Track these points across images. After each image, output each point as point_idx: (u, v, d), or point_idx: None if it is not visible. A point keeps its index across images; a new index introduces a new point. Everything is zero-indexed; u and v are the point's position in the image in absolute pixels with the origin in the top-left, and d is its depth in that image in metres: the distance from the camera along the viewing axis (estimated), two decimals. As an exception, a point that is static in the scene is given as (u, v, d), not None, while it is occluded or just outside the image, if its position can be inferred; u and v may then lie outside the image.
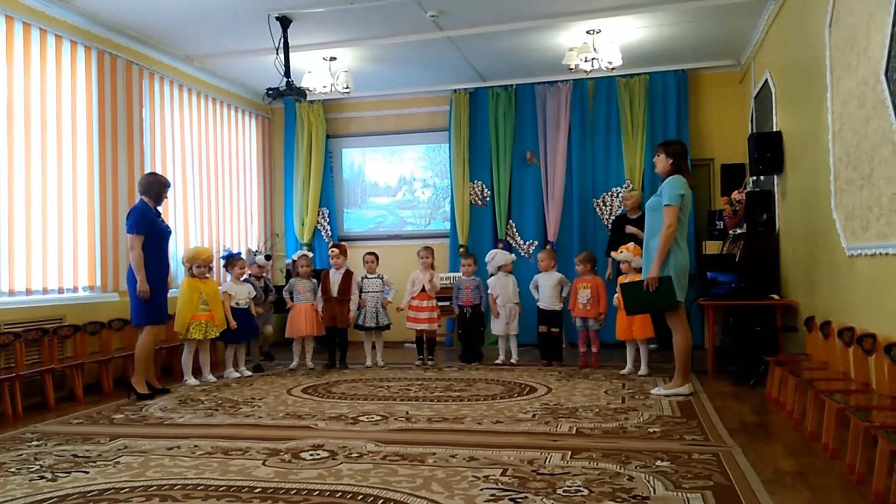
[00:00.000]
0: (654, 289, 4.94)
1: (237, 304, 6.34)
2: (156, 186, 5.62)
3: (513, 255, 7.15)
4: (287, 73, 6.65)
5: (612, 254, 6.45)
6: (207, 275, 6.12)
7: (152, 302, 5.44)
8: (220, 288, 6.31)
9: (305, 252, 7.31)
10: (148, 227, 5.46)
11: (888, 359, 3.41)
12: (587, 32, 6.79)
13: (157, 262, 5.51)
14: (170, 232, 5.81)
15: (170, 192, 7.08)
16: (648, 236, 5.12)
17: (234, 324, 6.20)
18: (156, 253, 5.51)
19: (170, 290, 5.80)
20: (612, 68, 6.78)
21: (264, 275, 7.13)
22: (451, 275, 7.92)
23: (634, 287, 5.10)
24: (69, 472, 3.41)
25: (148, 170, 6.78)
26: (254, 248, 8.15)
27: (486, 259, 7.08)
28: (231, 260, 6.60)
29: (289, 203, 9.25)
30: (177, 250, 7.15)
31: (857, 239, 4.09)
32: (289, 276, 7.89)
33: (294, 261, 7.09)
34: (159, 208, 5.72)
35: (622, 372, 6.12)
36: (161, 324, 5.65)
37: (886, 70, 3.54)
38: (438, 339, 7.65)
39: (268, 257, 7.49)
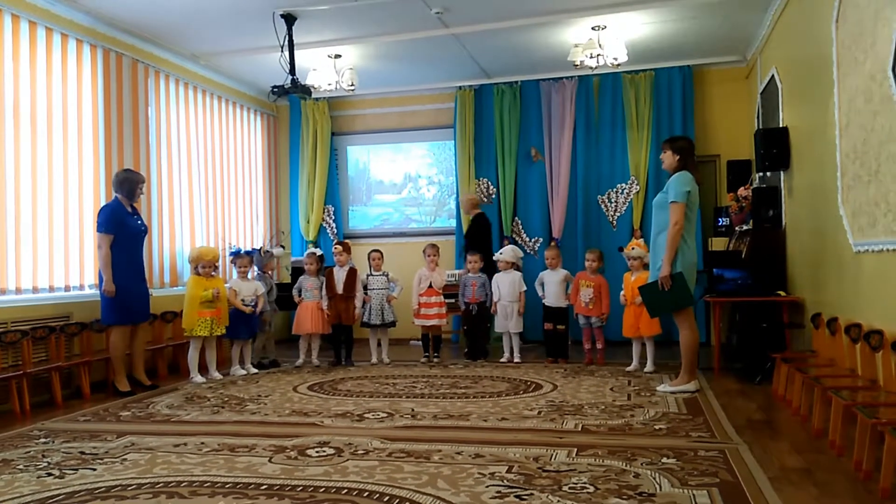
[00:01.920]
0: (668, 287, 4.93)
1: (241, 300, 6.35)
2: (127, 184, 5.64)
3: (513, 251, 7.05)
4: (292, 71, 6.65)
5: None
6: (213, 273, 6.13)
7: (120, 301, 5.46)
8: (226, 285, 6.33)
9: (314, 250, 7.32)
10: (117, 227, 5.49)
11: (895, 355, 3.39)
12: (592, 29, 6.77)
13: (129, 261, 5.55)
14: (145, 231, 5.83)
15: (175, 190, 7.19)
16: (655, 233, 5.11)
17: (248, 309, 6.22)
18: (127, 252, 5.54)
19: (160, 288, 5.80)
20: (618, 64, 6.76)
21: (270, 271, 7.12)
22: (457, 272, 7.91)
23: (651, 289, 5.09)
24: (76, 469, 3.43)
25: (154, 167, 6.81)
26: (267, 248, 8.13)
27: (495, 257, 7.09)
28: (236, 257, 6.61)
29: (294, 201, 9.26)
30: (183, 248, 7.18)
31: (865, 235, 4.07)
32: (294, 273, 7.90)
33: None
34: (135, 205, 5.75)
35: (628, 369, 6.11)
36: (130, 324, 5.61)
37: (894, 66, 3.52)
38: (444, 335, 7.65)
39: (282, 246, 7.50)
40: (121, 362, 5.55)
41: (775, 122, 6.40)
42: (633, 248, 6.28)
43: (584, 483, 3.00)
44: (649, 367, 6.04)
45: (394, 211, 9.27)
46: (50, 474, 3.36)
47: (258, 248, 7.46)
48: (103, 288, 5.45)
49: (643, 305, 5.50)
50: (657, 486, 2.94)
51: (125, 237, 5.54)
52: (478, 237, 7.45)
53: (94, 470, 3.41)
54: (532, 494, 2.87)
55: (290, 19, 6.42)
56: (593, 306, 6.43)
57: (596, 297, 6.43)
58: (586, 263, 6.57)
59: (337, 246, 7.02)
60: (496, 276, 6.92)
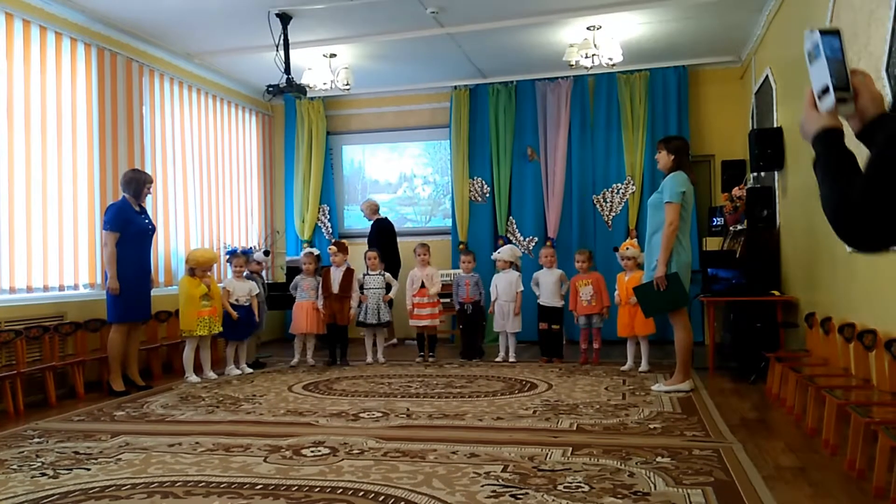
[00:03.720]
0: (663, 288, 4.95)
1: (237, 300, 6.34)
2: (134, 183, 5.69)
3: (511, 250, 7.06)
4: (287, 70, 6.64)
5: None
6: (209, 273, 6.14)
7: (125, 299, 5.48)
8: (220, 285, 6.33)
9: (311, 249, 7.32)
10: (123, 225, 5.52)
11: (889, 355, 3.41)
12: (587, 28, 6.78)
13: (135, 259, 5.58)
14: (153, 229, 5.86)
15: (170, 190, 7.18)
16: (650, 233, 5.12)
17: (234, 314, 6.23)
18: (134, 250, 5.57)
19: (155, 288, 5.84)
20: (613, 64, 6.76)
21: (262, 272, 7.12)
22: (452, 272, 7.92)
23: (646, 289, 5.10)
24: (71, 469, 3.42)
25: (148, 167, 6.79)
26: (253, 246, 8.15)
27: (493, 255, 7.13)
28: (232, 257, 6.61)
29: (289, 200, 9.25)
30: (178, 247, 7.17)
31: (858, 235, 4.07)
32: (290, 273, 7.90)
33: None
34: (143, 205, 5.79)
35: (623, 368, 6.12)
36: (133, 321, 5.66)
37: (887, 66, 3.54)
38: (440, 335, 7.65)
39: (266, 252, 7.51)
40: (117, 361, 5.55)
41: (769, 122, 6.41)
42: (627, 249, 6.30)
43: (579, 482, 3.01)
44: (644, 366, 6.05)
45: (389, 210, 9.24)
46: (44, 474, 3.35)
47: (253, 247, 7.46)
48: (107, 285, 5.48)
49: (638, 305, 5.52)
50: (652, 486, 2.95)
51: (131, 236, 5.56)
52: (381, 240, 7.84)
53: (89, 470, 3.41)
54: (527, 494, 2.88)
55: (285, 18, 6.41)
56: (595, 302, 6.44)
57: (596, 293, 6.44)
58: (577, 265, 6.60)
59: (332, 247, 7.01)
60: (495, 276, 6.93)
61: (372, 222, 8.31)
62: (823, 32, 1.30)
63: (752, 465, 3.24)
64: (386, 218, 8.43)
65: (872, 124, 1.31)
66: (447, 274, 7.77)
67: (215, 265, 6.56)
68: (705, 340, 6.69)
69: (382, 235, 8.11)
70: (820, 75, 1.32)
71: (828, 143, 1.32)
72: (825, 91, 1.31)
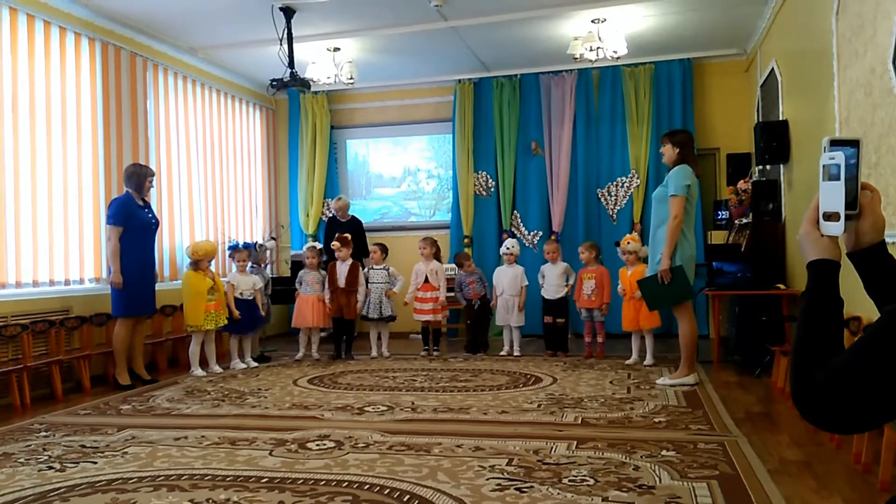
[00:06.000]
0: (667, 281, 4.94)
1: (241, 294, 6.35)
2: (135, 178, 5.71)
3: (513, 242, 7.05)
4: (291, 64, 6.64)
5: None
6: (210, 266, 6.17)
7: (129, 294, 5.50)
8: (224, 279, 6.35)
9: (314, 244, 7.33)
10: (126, 219, 5.53)
11: (895, 348, 3.39)
12: (592, 21, 6.75)
13: (139, 253, 5.60)
14: (156, 224, 5.87)
15: (174, 184, 7.19)
16: (655, 227, 5.11)
17: (236, 314, 6.24)
18: (137, 245, 5.58)
19: (160, 282, 5.87)
20: (617, 57, 6.75)
21: (267, 264, 7.14)
22: (455, 266, 7.91)
23: (650, 282, 5.09)
24: (77, 463, 3.44)
25: (153, 161, 6.80)
26: (261, 241, 8.16)
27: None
28: (234, 251, 6.62)
29: (293, 194, 9.25)
30: (182, 241, 7.18)
31: (864, 228, 4.06)
32: (294, 267, 7.91)
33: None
34: (147, 199, 5.80)
35: (628, 362, 6.13)
36: (137, 316, 5.67)
37: (894, 58, 3.52)
38: (444, 329, 7.66)
39: (272, 238, 7.52)
40: (123, 355, 5.57)
41: (775, 115, 6.39)
42: (627, 243, 6.29)
43: (584, 476, 3.01)
44: (649, 360, 6.05)
45: (393, 205, 9.26)
46: (51, 468, 3.37)
47: (256, 241, 7.47)
48: (111, 279, 5.50)
49: (642, 299, 5.51)
50: (657, 479, 2.95)
51: (134, 230, 5.58)
52: (362, 236, 7.82)
53: (95, 463, 3.42)
54: (532, 487, 2.88)
55: (288, 12, 6.40)
56: (595, 297, 6.44)
57: (598, 287, 6.44)
58: (580, 258, 6.61)
59: (335, 242, 7.00)
60: (498, 269, 6.94)
61: (346, 221, 8.13)
62: (846, 144, 1.20)
63: (757, 458, 3.24)
64: (353, 216, 8.34)
65: (867, 252, 1.26)
66: (451, 268, 7.77)
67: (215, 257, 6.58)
68: (710, 334, 6.69)
69: (360, 231, 8.05)
70: (832, 197, 1.22)
71: (821, 278, 1.23)
72: (833, 216, 1.22)
